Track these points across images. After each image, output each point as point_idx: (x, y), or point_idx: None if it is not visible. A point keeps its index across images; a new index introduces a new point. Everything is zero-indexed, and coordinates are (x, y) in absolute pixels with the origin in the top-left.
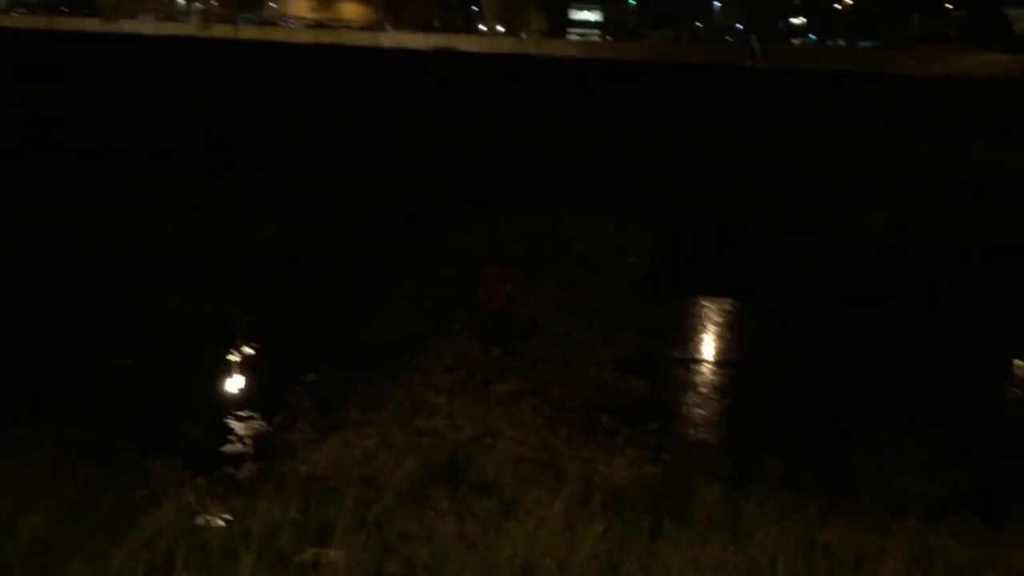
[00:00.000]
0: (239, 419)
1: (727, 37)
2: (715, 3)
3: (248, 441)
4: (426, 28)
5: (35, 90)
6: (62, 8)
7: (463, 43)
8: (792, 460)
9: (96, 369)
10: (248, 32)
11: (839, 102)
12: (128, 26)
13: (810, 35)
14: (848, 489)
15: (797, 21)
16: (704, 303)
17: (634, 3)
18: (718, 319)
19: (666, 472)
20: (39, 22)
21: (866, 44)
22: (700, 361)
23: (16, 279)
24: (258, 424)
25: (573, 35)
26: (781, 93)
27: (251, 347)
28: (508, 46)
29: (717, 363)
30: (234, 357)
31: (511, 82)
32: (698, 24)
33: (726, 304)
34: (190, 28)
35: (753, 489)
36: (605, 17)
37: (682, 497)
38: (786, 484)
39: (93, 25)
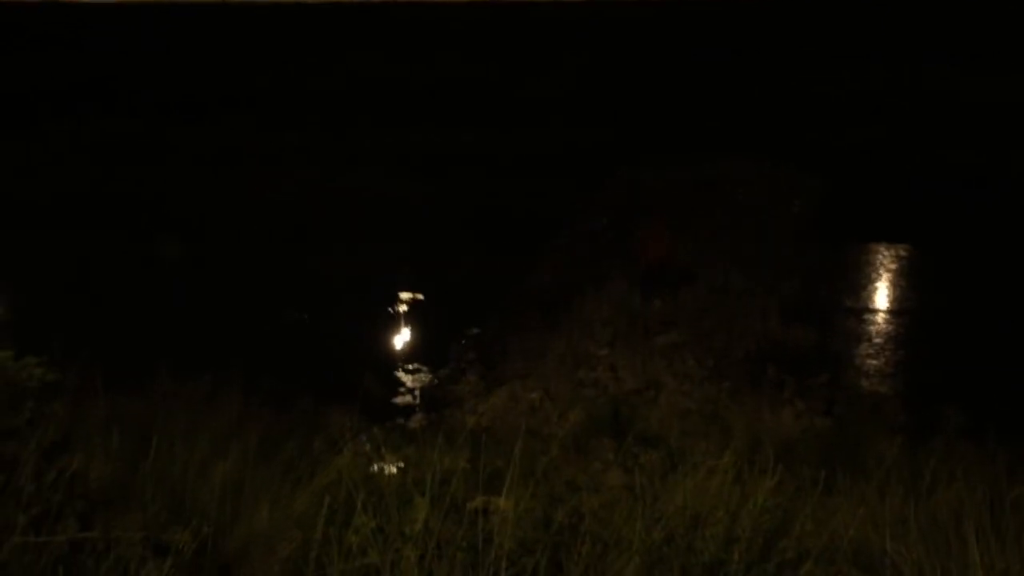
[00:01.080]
0: (408, 371)
1: None
2: None
3: (417, 392)
4: None
5: None
6: None
7: None
8: (975, 411)
9: (275, 325)
10: None
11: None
12: None
13: None
14: None
15: None
16: (873, 249)
17: None
18: (889, 266)
19: (838, 424)
20: None
21: None
22: (870, 310)
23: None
24: (426, 376)
25: None
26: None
27: (415, 301)
28: None
29: (889, 311)
30: (400, 311)
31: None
32: None
33: (897, 250)
34: None
35: (933, 442)
36: None
37: (856, 450)
38: (969, 436)
39: None
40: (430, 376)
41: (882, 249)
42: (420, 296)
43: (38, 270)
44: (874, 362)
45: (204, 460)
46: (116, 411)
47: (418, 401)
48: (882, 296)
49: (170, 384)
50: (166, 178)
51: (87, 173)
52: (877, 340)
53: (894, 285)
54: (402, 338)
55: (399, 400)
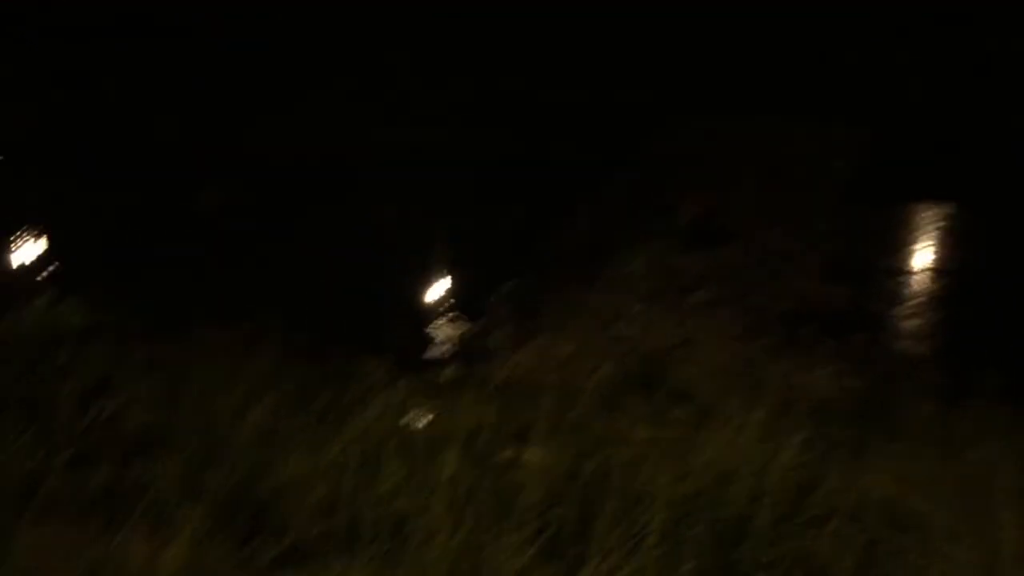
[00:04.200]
0: (440, 323)
1: None
2: None
3: (449, 344)
4: None
5: None
6: None
7: None
8: (1013, 374)
9: (308, 276)
10: None
11: None
12: None
13: None
14: None
15: None
16: (915, 208)
17: None
18: (931, 225)
19: (873, 385)
20: None
21: None
22: (913, 270)
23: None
24: (459, 328)
25: None
26: None
27: (449, 255)
28: None
29: (931, 271)
30: (433, 265)
31: None
32: None
33: (939, 209)
34: None
35: (969, 403)
36: None
37: (890, 410)
38: (1006, 398)
39: None
40: (464, 328)
41: (928, 208)
42: (453, 251)
43: (76, 214)
44: (913, 323)
45: (240, 407)
46: (154, 356)
47: (450, 353)
48: (925, 256)
49: (208, 332)
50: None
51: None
52: (918, 301)
53: (938, 245)
54: (438, 292)
55: (432, 352)
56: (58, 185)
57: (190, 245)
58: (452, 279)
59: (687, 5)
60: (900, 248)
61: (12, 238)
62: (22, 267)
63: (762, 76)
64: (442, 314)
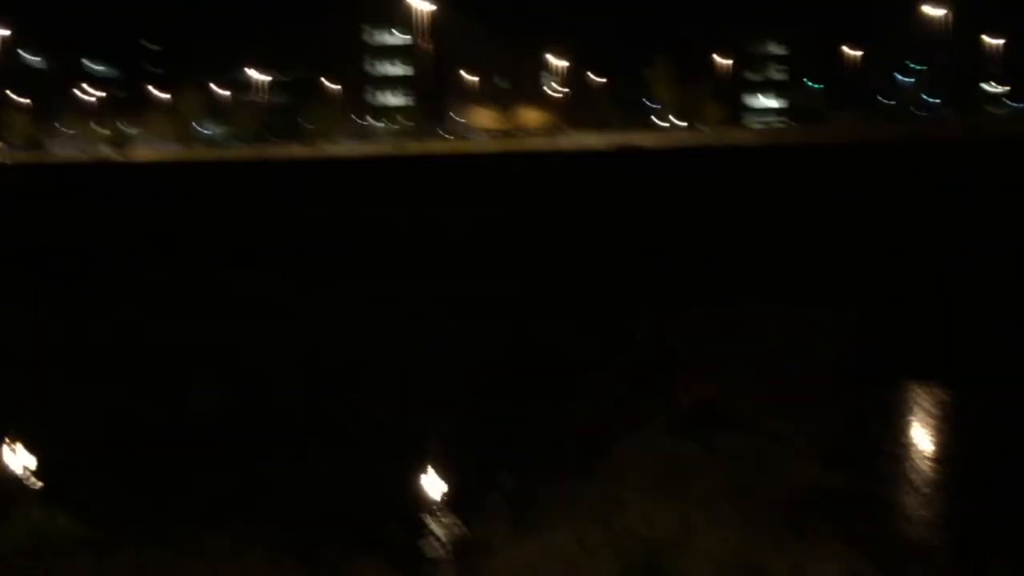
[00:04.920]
0: (435, 518)
1: (919, 111)
2: (899, 77)
3: (445, 541)
4: (603, 126)
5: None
6: (271, 138)
7: (641, 139)
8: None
9: (294, 471)
10: (437, 146)
11: None
12: (331, 150)
13: (1009, 102)
14: None
15: (993, 89)
16: (912, 390)
17: (818, 86)
18: (929, 408)
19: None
20: (251, 153)
21: None
22: (914, 455)
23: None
24: (454, 523)
25: (755, 123)
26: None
27: (440, 446)
28: (687, 138)
29: (932, 457)
30: (423, 457)
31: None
32: (885, 100)
33: (937, 391)
34: (386, 147)
35: None
36: (789, 102)
37: None
38: None
39: (300, 151)
40: (459, 523)
41: (920, 389)
42: (444, 442)
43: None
44: (919, 509)
45: None
46: (143, 564)
47: (447, 549)
48: (924, 439)
49: (198, 535)
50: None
51: None
52: (921, 486)
53: (934, 429)
54: (428, 485)
55: (427, 550)
56: (47, 386)
57: (181, 448)
58: (443, 471)
59: (686, 203)
60: (898, 431)
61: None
62: (9, 473)
63: (751, 265)
64: (437, 509)
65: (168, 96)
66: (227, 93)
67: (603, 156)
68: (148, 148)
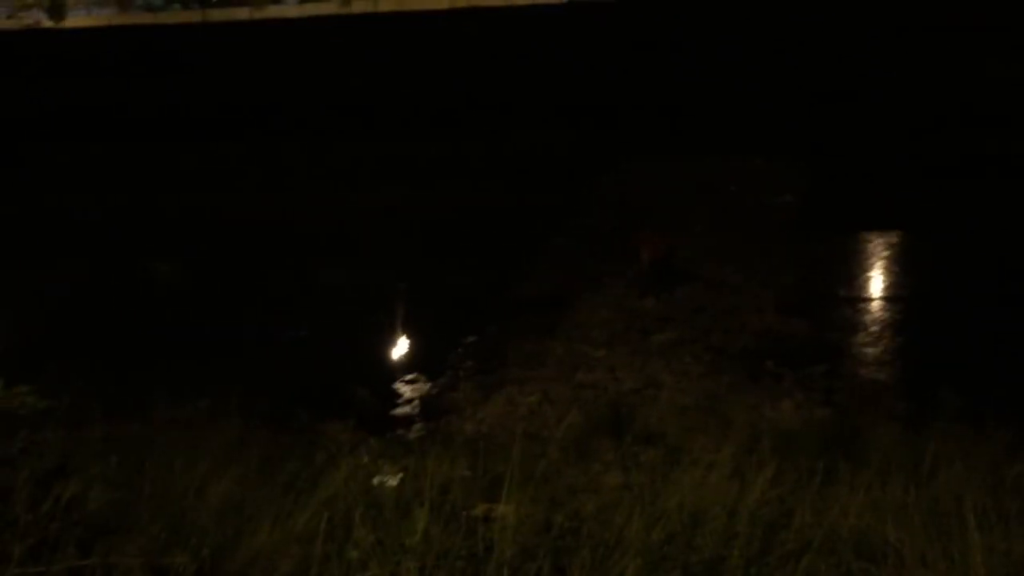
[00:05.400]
0: (405, 382)
1: None
2: None
3: (415, 402)
4: None
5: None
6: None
7: None
8: (972, 395)
9: (269, 341)
10: (386, 4)
11: None
12: (272, 11)
13: None
14: None
15: None
16: (865, 238)
17: None
18: (882, 253)
19: (837, 414)
20: (194, 16)
21: None
22: (866, 298)
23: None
24: (424, 385)
25: None
26: None
27: (411, 311)
28: None
29: (884, 299)
30: (395, 322)
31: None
32: None
33: (889, 237)
34: (331, 7)
35: (932, 427)
36: None
37: (856, 438)
38: (967, 420)
39: (242, 14)
40: (428, 385)
41: (874, 237)
42: (415, 306)
43: (32, 294)
44: (871, 350)
45: (203, 482)
46: (113, 437)
47: (416, 411)
48: (876, 284)
49: (168, 408)
50: (154, 199)
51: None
52: (873, 328)
53: (887, 272)
54: (399, 349)
55: (397, 411)
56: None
57: (144, 319)
58: (413, 336)
59: (631, 47)
60: (851, 277)
61: None
62: None
63: (708, 116)
64: (405, 371)
65: None
66: None
67: (560, 8)
68: (83, 13)
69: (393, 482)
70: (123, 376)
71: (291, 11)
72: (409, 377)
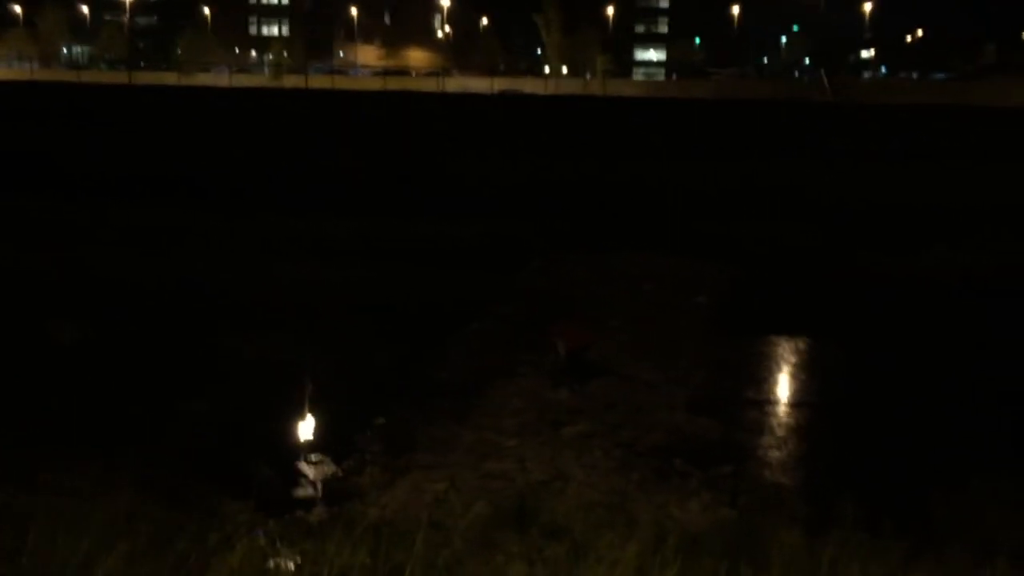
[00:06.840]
0: (308, 462)
1: (795, 73)
2: (782, 38)
3: (317, 484)
4: (491, 72)
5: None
6: (140, 63)
7: (528, 85)
8: (872, 503)
9: (167, 411)
10: (317, 81)
11: (913, 135)
12: (203, 79)
13: (881, 68)
14: (932, 533)
15: (867, 54)
16: (776, 342)
17: (698, 42)
18: (791, 358)
19: (742, 516)
20: (120, 77)
21: (939, 76)
22: (774, 402)
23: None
24: (327, 467)
25: (638, 75)
26: (852, 128)
27: (318, 390)
28: (573, 87)
29: (791, 404)
30: (301, 400)
31: (577, 121)
32: (764, 61)
33: (798, 343)
34: (262, 79)
35: (832, 533)
36: (669, 56)
37: (759, 541)
38: (866, 527)
39: (170, 79)
40: (332, 467)
41: (787, 341)
42: (323, 386)
43: None
44: (776, 453)
45: (88, 558)
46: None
47: (319, 493)
48: (785, 388)
49: (56, 474)
50: (63, 257)
51: None
52: (779, 432)
53: (795, 377)
54: (305, 427)
55: (299, 492)
56: None
57: (40, 381)
58: (320, 414)
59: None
60: (762, 380)
61: None
62: None
63: (635, 216)
64: (313, 451)
65: (25, 13)
66: (88, 12)
67: (487, 99)
68: (3, 67)
69: (290, 567)
70: (9, 439)
71: (222, 80)
72: (314, 457)
